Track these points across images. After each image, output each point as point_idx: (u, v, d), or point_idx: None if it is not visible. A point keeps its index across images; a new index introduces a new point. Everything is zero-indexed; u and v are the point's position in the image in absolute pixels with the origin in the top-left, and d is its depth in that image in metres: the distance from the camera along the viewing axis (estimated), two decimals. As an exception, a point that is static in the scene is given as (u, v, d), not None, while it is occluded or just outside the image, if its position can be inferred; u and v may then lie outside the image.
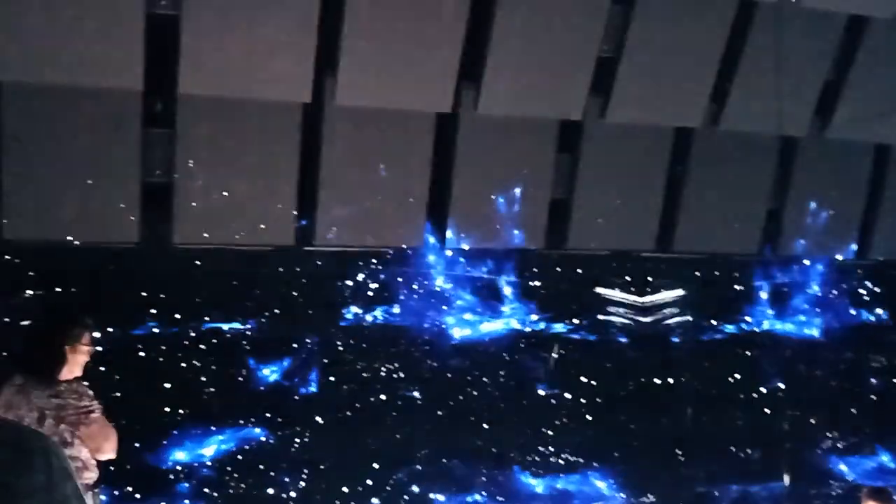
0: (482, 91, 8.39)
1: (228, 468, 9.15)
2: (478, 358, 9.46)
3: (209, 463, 9.12)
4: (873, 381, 10.94)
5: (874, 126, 9.65)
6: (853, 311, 10.89)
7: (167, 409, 8.86)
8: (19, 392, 5.32)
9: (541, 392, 9.59)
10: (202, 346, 8.93)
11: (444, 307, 9.43)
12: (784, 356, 10.74)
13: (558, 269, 9.69)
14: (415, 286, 9.34)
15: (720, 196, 9.72)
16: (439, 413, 9.38)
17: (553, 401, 9.59)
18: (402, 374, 9.31)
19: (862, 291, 10.90)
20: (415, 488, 9.44)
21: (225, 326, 9.01)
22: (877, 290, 10.88)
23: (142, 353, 8.70)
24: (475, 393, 9.44)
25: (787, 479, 10.05)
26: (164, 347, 8.81)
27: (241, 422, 9.17)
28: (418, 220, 8.99)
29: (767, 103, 8.87)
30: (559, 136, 9.17)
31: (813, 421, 10.76)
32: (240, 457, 9.19)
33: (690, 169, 9.70)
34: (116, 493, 8.57)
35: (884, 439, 10.89)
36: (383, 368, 9.32)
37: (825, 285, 10.83)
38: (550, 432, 9.56)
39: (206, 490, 9.11)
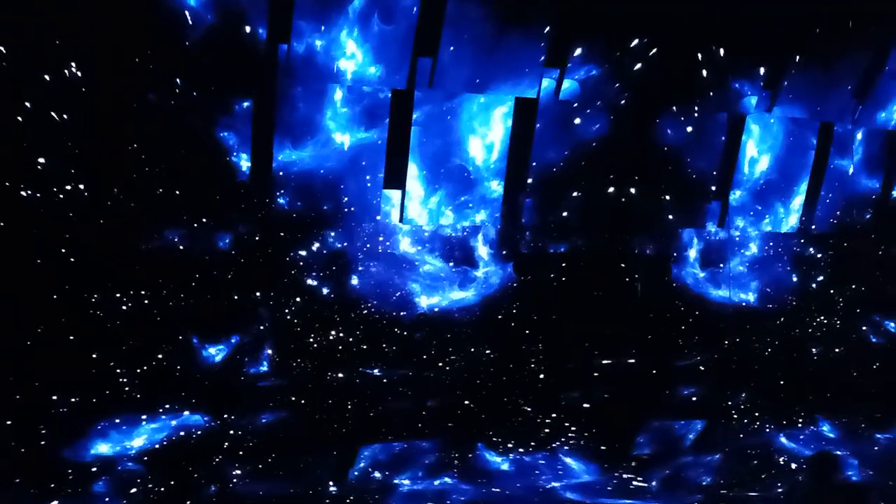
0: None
1: (160, 461, 8.17)
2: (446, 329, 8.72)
3: (136, 456, 8.13)
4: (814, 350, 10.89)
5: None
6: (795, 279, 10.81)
7: (89, 395, 7.90)
8: None
9: (514, 365, 8.93)
10: (139, 323, 7.95)
11: (409, 273, 8.64)
12: (726, 325, 10.52)
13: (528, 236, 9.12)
14: (378, 252, 8.51)
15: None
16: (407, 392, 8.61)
17: (527, 375, 8.97)
18: (364, 348, 8.44)
19: (804, 261, 10.84)
20: (377, 475, 8.61)
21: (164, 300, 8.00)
22: (818, 256, 10.84)
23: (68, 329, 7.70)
24: (447, 368, 8.69)
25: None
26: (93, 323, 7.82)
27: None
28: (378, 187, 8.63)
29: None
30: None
31: (752, 391, 10.61)
32: (174, 448, 8.22)
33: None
34: (27, 492, 7.67)
35: (825, 409, 10.85)
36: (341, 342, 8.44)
37: (768, 255, 10.72)
38: (526, 407, 8.94)
39: (131, 487, 8.10)
